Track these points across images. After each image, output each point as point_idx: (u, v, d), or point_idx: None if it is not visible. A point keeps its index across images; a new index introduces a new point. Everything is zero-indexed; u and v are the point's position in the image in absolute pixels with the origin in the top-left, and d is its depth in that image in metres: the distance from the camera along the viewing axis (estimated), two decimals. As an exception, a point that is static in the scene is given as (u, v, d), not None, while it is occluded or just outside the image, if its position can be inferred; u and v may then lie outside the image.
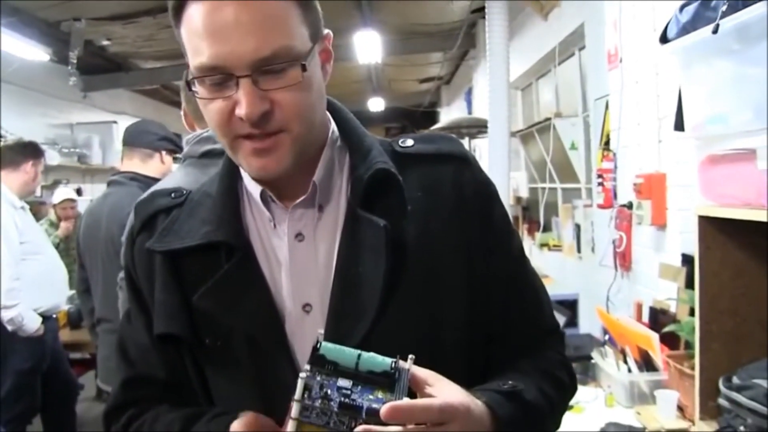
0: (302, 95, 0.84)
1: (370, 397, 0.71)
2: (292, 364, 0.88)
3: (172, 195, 1.01)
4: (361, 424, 0.69)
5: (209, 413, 0.89)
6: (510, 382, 0.87)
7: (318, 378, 0.71)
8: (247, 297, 0.90)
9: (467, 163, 0.99)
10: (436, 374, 0.77)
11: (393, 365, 0.73)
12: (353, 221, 0.91)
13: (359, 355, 0.73)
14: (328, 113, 0.98)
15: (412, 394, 0.74)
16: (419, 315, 0.90)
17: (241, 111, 0.81)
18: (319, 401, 0.69)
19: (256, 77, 0.81)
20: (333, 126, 0.98)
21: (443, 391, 0.75)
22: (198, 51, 0.81)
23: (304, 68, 0.82)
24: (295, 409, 0.69)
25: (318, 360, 0.72)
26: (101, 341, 2.89)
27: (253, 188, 0.95)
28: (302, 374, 0.70)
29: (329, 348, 0.73)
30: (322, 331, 0.77)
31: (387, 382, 0.72)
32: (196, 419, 0.89)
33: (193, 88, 0.85)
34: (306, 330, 0.90)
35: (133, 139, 2.94)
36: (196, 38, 0.82)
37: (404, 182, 0.93)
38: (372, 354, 0.74)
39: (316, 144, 0.93)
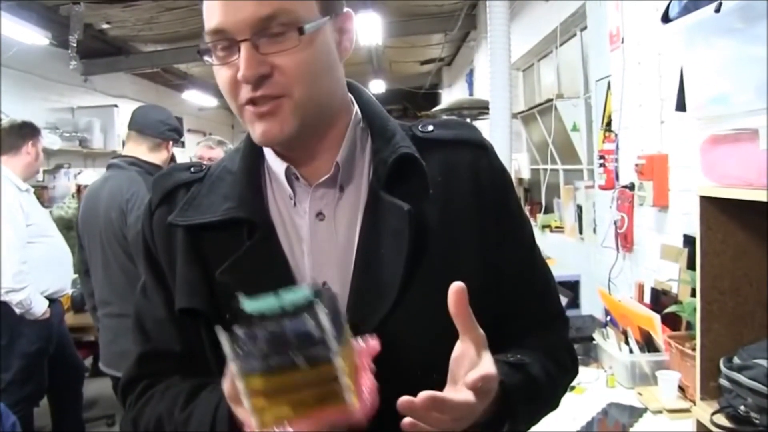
0: (303, 60, 0.86)
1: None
2: None
3: (192, 170, 1.03)
4: (297, 349, 0.66)
5: (214, 383, 0.90)
6: (518, 355, 0.90)
7: (247, 330, 0.68)
8: (268, 274, 0.91)
9: (485, 150, 1.01)
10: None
11: (315, 292, 0.71)
12: (376, 203, 0.92)
13: (278, 295, 0.71)
14: (350, 95, 1.00)
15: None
16: (438, 297, 0.89)
17: (239, 73, 0.84)
18: (249, 345, 0.67)
19: (256, 41, 0.84)
20: (356, 108, 0.99)
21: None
22: (208, 18, 0.87)
23: (301, 31, 0.84)
24: (234, 367, 0.67)
25: (244, 318, 0.70)
26: (102, 326, 2.89)
27: (276, 166, 0.96)
28: (222, 332, 0.67)
29: (251, 303, 0.71)
30: (241, 293, 0.73)
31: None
32: (202, 390, 0.91)
33: (206, 58, 0.88)
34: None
35: (144, 127, 2.94)
36: (208, 6, 0.86)
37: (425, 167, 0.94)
38: (290, 289, 0.72)
39: (328, 117, 0.94)
